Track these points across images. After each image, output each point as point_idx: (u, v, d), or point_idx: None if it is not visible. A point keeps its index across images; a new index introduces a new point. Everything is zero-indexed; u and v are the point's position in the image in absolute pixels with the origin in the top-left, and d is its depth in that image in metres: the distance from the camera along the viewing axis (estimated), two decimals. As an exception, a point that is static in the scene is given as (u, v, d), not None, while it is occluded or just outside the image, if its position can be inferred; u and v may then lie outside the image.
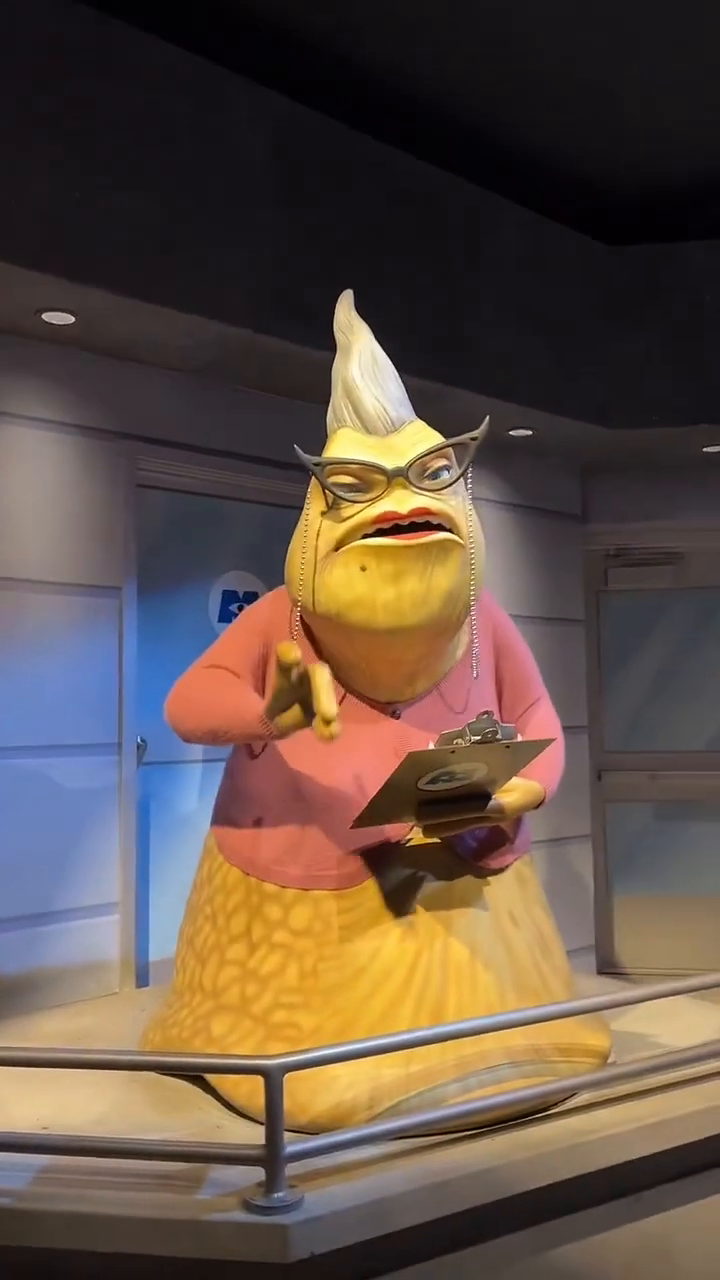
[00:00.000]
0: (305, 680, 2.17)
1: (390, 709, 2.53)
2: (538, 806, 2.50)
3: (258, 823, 2.55)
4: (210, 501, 4.00)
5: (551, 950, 2.60)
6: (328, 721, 2.10)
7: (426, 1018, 2.28)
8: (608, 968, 5.06)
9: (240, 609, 3.98)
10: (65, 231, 3.07)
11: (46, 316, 3.31)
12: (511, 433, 4.55)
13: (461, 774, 2.23)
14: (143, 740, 3.69)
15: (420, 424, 2.50)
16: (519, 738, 2.30)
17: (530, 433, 4.56)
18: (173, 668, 3.63)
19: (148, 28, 3.23)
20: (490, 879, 2.49)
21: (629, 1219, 2.28)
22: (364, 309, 2.64)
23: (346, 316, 2.63)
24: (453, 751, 2.17)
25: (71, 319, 3.34)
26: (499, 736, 2.20)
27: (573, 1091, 2.34)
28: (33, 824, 3.42)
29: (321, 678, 2.14)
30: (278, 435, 3.99)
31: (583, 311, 4.52)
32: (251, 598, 4.03)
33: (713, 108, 3.75)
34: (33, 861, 3.40)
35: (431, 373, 3.82)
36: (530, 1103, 2.25)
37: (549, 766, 2.60)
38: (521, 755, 2.33)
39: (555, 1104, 2.32)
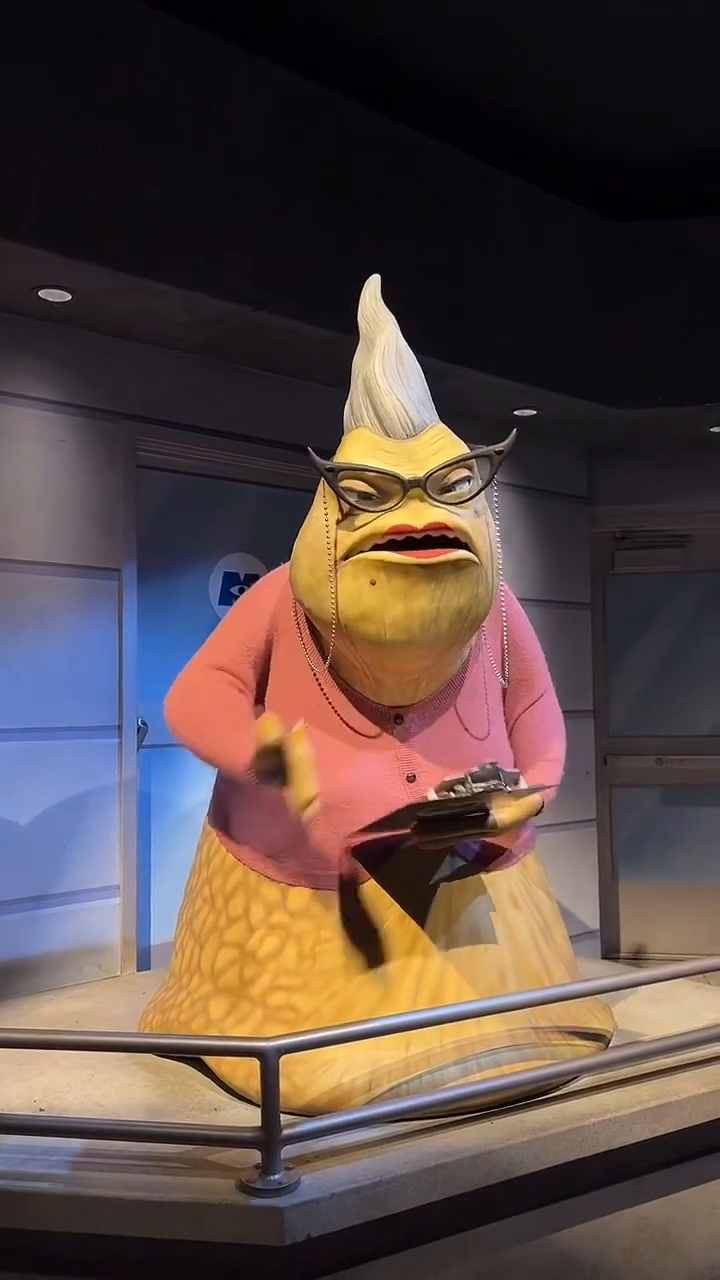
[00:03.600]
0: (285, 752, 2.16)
1: (394, 713, 2.50)
2: (536, 814, 2.44)
3: (256, 818, 2.52)
4: (211, 482, 3.97)
5: (553, 933, 2.57)
6: (305, 804, 2.12)
7: (425, 1000, 2.27)
8: (612, 953, 5.04)
9: (241, 591, 3.95)
10: (63, 207, 3.03)
11: (44, 294, 3.28)
12: (516, 413, 4.50)
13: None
14: (144, 722, 3.67)
15: (442, 428, 2.39)
16: (523, 783, 2.23)
17: (535, 412, 4.51)
18: (173, 650, 3.63)
19: (149, 1, 3.18)
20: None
21: (630, 1203, 2.27)
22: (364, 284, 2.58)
23: (373, 306, 2.48)
24: (452, 796, 2.15)
25: (69, 296, 3.30)
26: (502, 785, 2.16)
27: (574, 1075, 2.32)
28: (33, 807, 3.40)
29: (300, 756, 2.13)
30: (279, 415, 3.98)
31: (589, 289, 4.47)
32: (253, 580, 3.98)
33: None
34: (33, 844, 3.39)
35: (434, 351, 3.75)
36: (530, 1086, 2.23)
37: (549, 770, 2.57)
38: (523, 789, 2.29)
39: (556, 1087, 2.30)
